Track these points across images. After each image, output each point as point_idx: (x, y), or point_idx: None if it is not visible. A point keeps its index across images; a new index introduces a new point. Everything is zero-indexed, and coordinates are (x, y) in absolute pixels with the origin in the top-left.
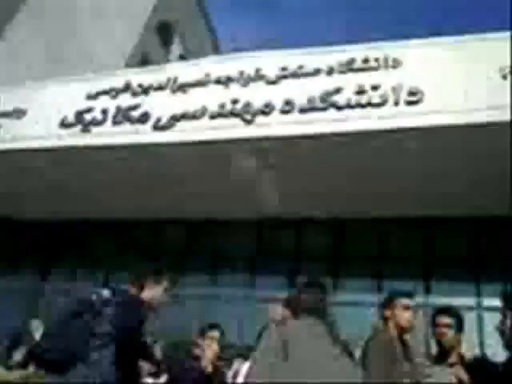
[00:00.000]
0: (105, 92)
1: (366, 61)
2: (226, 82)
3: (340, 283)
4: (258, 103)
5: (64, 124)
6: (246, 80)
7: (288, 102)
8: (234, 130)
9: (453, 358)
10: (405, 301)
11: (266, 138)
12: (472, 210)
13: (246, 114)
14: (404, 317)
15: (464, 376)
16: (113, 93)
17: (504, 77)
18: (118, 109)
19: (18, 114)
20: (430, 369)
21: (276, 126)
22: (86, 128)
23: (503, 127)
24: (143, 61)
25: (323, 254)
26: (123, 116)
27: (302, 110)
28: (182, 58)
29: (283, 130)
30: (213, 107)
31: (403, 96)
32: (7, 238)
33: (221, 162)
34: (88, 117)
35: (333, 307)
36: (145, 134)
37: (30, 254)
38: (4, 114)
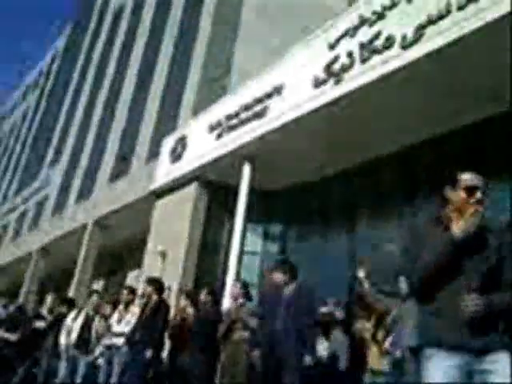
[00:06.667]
0: (342, 36)
1: None
2: None
3: None
4: None
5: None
6: None
7: None
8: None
9: None
10: None
11: None
12: None
13: None
14: None
15: None
16: (350, 32)
17: None
18: (361, 45)
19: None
20: None
21: None
22: (337, 78)
23: None
24: None
25: None
26: (368, 50)
27: None
28: None
29: None
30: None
31: None
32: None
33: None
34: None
35: None
36: (397, 57)
37: (337, 211)
38: (267, 95)
